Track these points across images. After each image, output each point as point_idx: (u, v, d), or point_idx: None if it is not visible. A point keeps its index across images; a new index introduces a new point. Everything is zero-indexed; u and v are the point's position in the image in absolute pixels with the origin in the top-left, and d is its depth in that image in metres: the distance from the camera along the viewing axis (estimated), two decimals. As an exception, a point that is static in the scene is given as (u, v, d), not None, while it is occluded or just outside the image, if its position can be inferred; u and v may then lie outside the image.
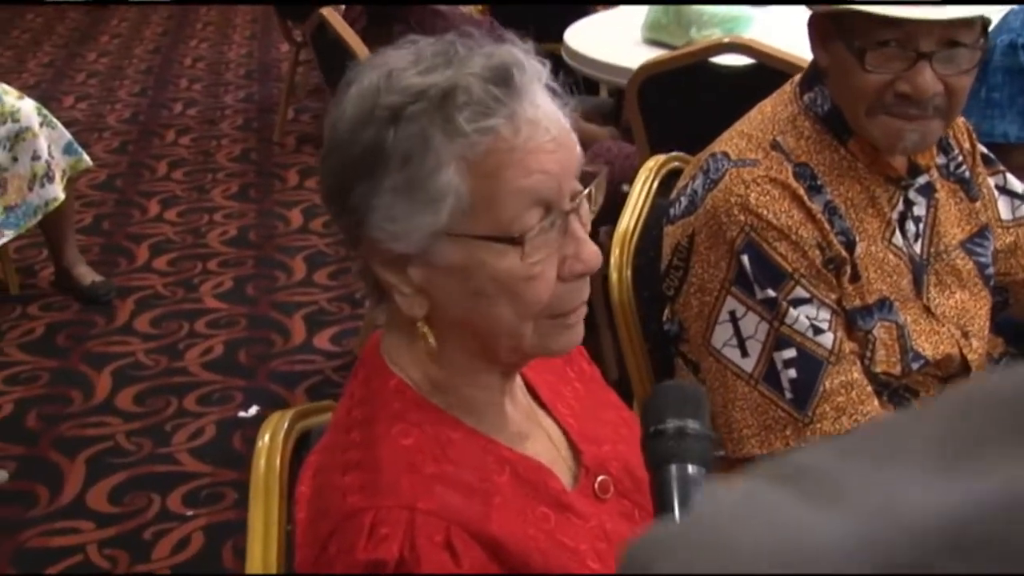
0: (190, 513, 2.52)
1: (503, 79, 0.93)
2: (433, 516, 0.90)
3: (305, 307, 3.43)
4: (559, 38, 3.13)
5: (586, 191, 0.99)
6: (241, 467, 2.66)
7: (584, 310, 1.01)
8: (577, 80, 4.03)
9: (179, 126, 5.27)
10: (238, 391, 2.99)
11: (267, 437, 1.07)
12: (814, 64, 1.51)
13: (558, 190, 0.95)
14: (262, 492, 1.04)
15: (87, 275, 3.56)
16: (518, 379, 1.07)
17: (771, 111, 1.52)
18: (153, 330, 3.33)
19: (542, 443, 1.05)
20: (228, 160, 4.80)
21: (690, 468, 0.86)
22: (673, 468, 0.87)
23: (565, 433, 1.08)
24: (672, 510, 0.86)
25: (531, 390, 1.10)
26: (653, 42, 3.00)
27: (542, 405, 1.09)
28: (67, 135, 3.43)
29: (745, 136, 1.50)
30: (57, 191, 3.34)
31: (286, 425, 1.09)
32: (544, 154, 0.93)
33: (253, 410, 2.90)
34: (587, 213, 1.00)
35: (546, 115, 0.94)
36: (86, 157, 3.49)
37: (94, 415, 2.91)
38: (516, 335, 0.97)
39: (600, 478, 1.05)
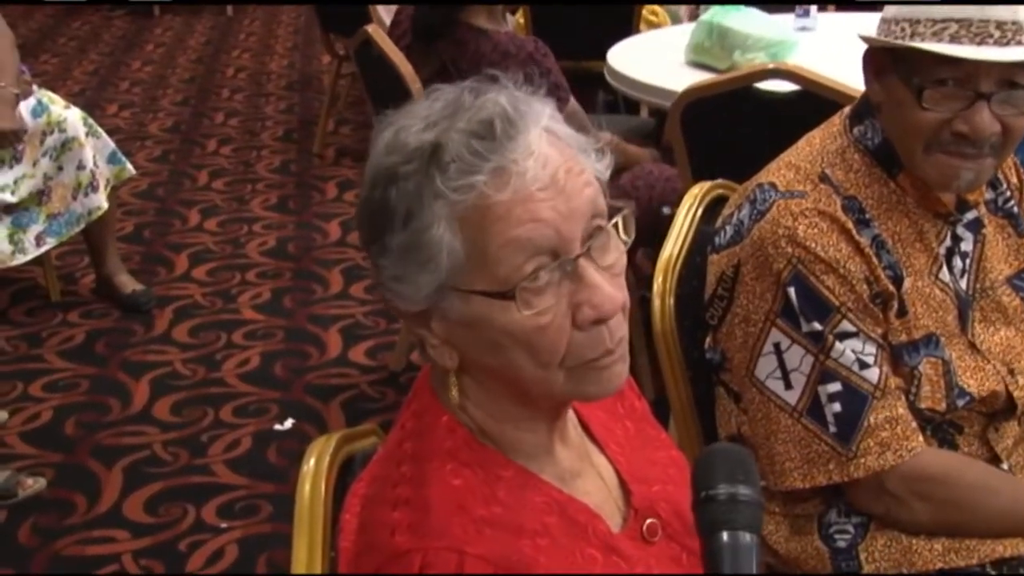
0: (224, 525, 2.53)
1: (486, 132, 0.91)
2: (482, 560, 0.90)
3: (341, 320, 3.45)
4: (601, 55, 3.14)
5: (610, 222, 0.95)
6: (277, 480, 2.68)
7: (620, 352, 0.97)
8: (617, 99, 4.05)
9: (220, 136, 5.32)
10: (274, 403, 3.01)
11: (312, 461, 1.07)
12: (865, 97, 1.50)
13: (557, 237, 0.91)
14: (307, 518, 1.04)
15: (128, 283, 3.59)
16: (570, 415, 1.06)
17: (820, 143, 1.51)
18: (191, 340, 3.36)
19: (593, 481, 1.04)
20: (268, 171, 4.83)
21: (741, 536, 0.87)
22: (724, 536, 0.87)
23: (616, 472, 1.07)
24: None
25: (583, 425, 1.08)
26: (696, 64, 2.99)
27: (594, 441, 1.08)
28: (111, 144, 3.47)
29: (793, 167, 1.49)
30: (101, 200, 3.37)
31: (332, 449, 1.09)
32: (536, 203, 0.91)
33: (289, 423, 2.92)
34: (613, 252, 0.96)
35: (540, 162, 0.91)
36: (129, 166, 3.53)
37: (132, 424, 2.94)
38: (545, 384, 0.95)
39: (648, 521, 1.04)
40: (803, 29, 3.30)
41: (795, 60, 2.78)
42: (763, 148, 1.72)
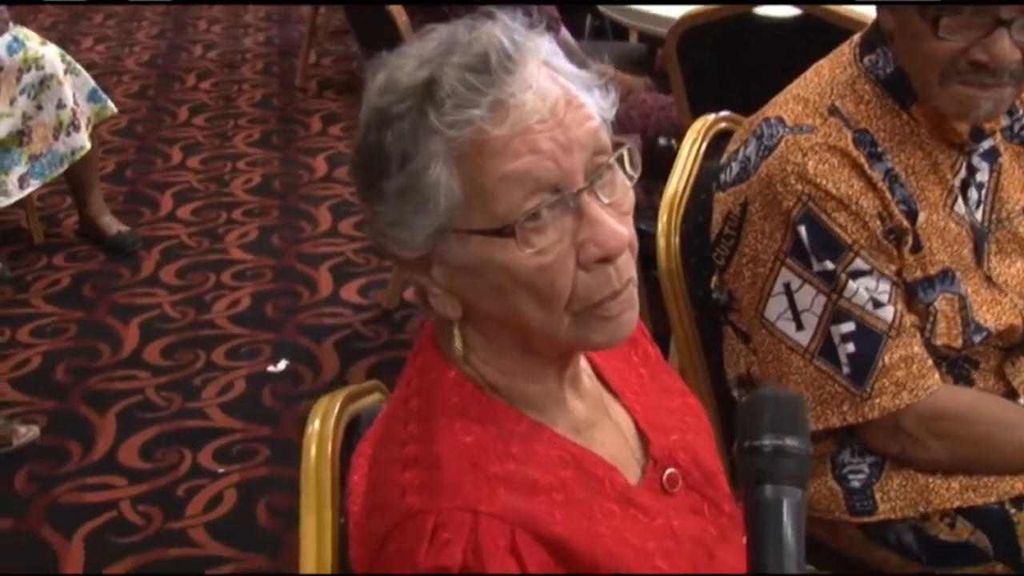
0: (222, 470, 2.51)
1: (482, 66, 0.88)
2: (497, 519, 0.87)
3: (331, 258, 3.40)
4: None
5: (613, 156, 0.91)
6: (272, 423, 2.66)
7: (627, 297, 0.93)
8: (604, 24, 3.96)
9: (199, 70, 5.20)
10: (266, 344, 2.97)
11: (317, 423, 1.04)
12: (876, 25, 1.44)
13: (557, 169, 0.88)
14: (314, 484, 1.01)
15: (112, 225, 3.53)
16: (583, 365, 1.02)
17: (828, 74, 1.45)
18: (179, 281, 3.31)
19: (610, 432, 1.01)
20: (250, 105, 4.74)
21: (786, 491, 0.82)
22: (767, 490, 0.83)
23: (634, 421, 1.04)
24: (763, 540, 0.82)
25: (599, 375, 1.05)
26: (690, -11, 2.91)
27: (610, 390, 1.05)
28: (91, 81, 3.38)
29: (801, 100, 1.44)
30: (83, 139, 3.30)
31: (336, 410, 1.05)
32: (534, 134, 0.87)
33: (282, 365, 2.88)
34: (619, 188, 0.92)
35: (538, 95, 0.88)
36: (111, 104, 3.44)
37: (123, 368, 2.90)
38: (550, 328, 0.92)
39: (669, 471, 1.01)
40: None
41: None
42: (764, 77, 1.66)
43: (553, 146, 0.88)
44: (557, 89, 0.90)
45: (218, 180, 3.99)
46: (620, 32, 3.98)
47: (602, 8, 2.93)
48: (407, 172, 0.89)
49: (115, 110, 3.50)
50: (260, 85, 4.97)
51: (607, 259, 0.90)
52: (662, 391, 1.10)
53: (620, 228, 0.90)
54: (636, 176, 0.94)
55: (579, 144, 0.89)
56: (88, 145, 3.31)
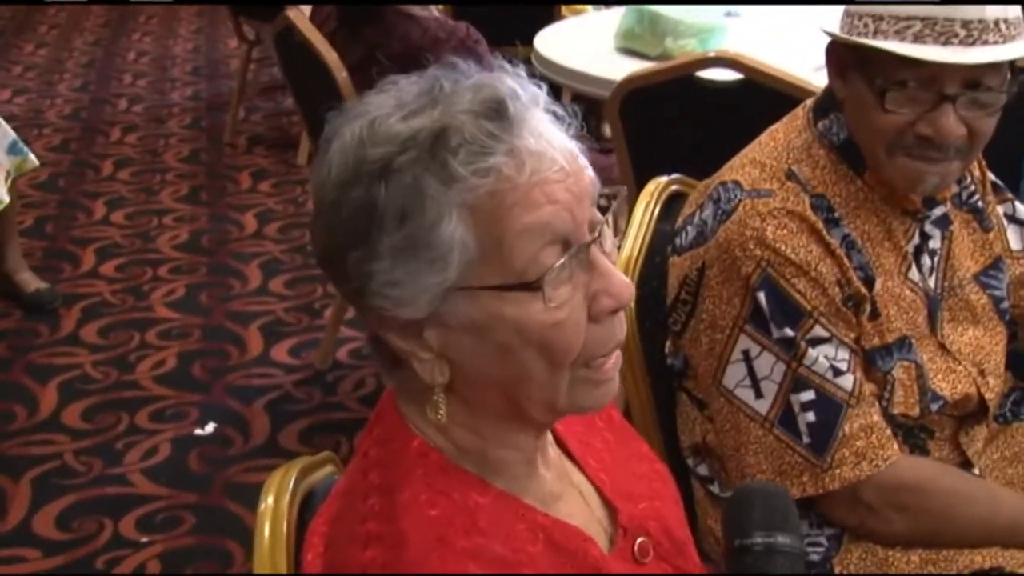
0: (145, 539, 2.39)
1: (497, 112, 0.85)
2: None
3: (262, 317, 3.31)
4: (523, 41, 3.05)
5: (607, 217, 0.90)
6: (199, 489, 2.55)
7: (619, 360, 0.92)
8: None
9: (124, 124, 5.09)
10: (193, 407, 2.87)
11: (271, 499, 0.97)
12: (829, 91, 1.44)
13: (572, 221, 0.86)
14: (268, 565, 0.94)
15: (30, 281, 3.40)
16: (548, 435, 0.98)
17: (784, 138, 1.45)
18: (101, 340, 3.19)
19: (575, 503, 0.97)
20: (177, 160, 4.64)
21: None
22: None
23: (598, 490, 1.00)
24: None
25: (559, 442, 1.01)
26: (626, 51, 2.92)
27: (572, 459, 1.01)
28: (11, 133, 3.27)
29: (758, 164, 1.42)
30: (2, 193, 3.17)
31: (291, 485, 0.99)
32: (551, 184, 0.85)
33: (210, 427, 2.78)
34: (611, 242, 0.91)
35: (550, 142, 0.86)
36: (32, 156, 3.33)
37: (39, 432, 2.77)
38: (550, 390, 0.88)
39: (639, 540, 0.98)
40: (729, 15, 3.26)
41: (726, 45, 2.73)
42: (706, 139, 1.66)
43: (569, 197, 0.86)
44: (562, 138, 0.88)
45: (144, 236, 3.88)
46: (555, 93, 4.00)
47: (540, 69, 2.92)
48: (411, 227, 0.84)
49: (36, 163, 3.38)
50: (188, 140, 4.88)
51: (618, 310, 0.89)
52: (631, 456, 1.07)
53: (626, 279, 0.90)
54: (622, 233, 0.93)
55: (587, 195, 0.88)
56: (6, 199, 3.19)
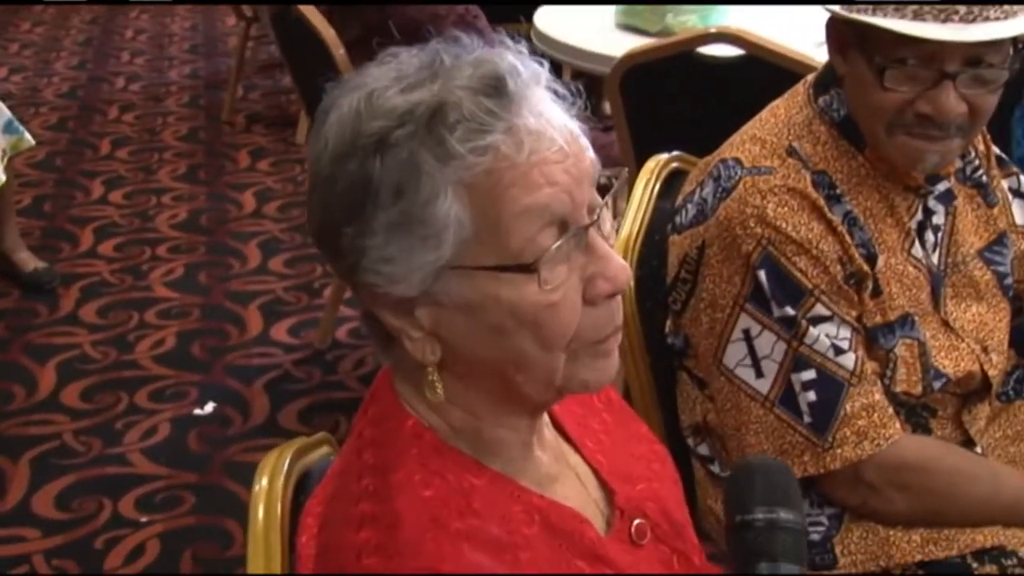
0: (144, 519, 2.39)
1: (496, 89, 0.83)
2: None
3: (261, 296, 3.30)
4: (523, 18, 3.02)
5: (607, 199, 0.89)
6: (199, 469, 2.55)
7: (619, 337, 0.91)
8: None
9: (122, 102, 5.06)
10: (193, 386, 2.86)
11: (265, 481, 0.96)
12: (829, 67, 1.42)
13: (571, 203, 0.85)
14: (262, 548, 0.93)
15: (29, 261, 3.39)
16: (545, 415, 0.97)
17: (785, 114, 1.43)
18: (100, 320, 3.18)
19: (571, 485, 0.96)
20: (175, 139, 4.61)
21: (783, 568, 0.77)
22: (763, 568, 0.77)
23: (595, 471, 0.99)
24: None
25: (556, 424, 1.00)
26: (626, 27, 2.90)
27: (568, 440, 1.00)
28: (7, 112, 3.25)
29: (759, 141, 1.41)
30: (-3, 173, 3.16)
31: (286, 466, 0.98)
32: (550, 165, 0.84)
33: (210, 407, 2.77)
34: (610, 224, 0.90)
35: (550, 122, 0.84)
36: (28, 135, 3.31)
37: (38, 412, 2.76)
38: (546, 370, 0.87)
39: (636, 522, 0.97)
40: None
41: (728, 20, 2.71)
42: (707, 116, 1.64)
43: (568, 179, 0.84)
44: (563, 117, 0.86)
45: (142, 215, 3.87)
46: (555, 70, 3.98)
47: (539, 45, 2.90)
48: (406, 203, 0.83)
49: (32, 142, 3.37)
50: (186, 119, 4.86)
51: (616, 294, 0.88)
52: (628, 438, 1.05)
53: (624, 262, 0.89)
54: (621, 216, 0.91)
55: (587, 176, 0.86)
56: (3, 178, 3.17)
